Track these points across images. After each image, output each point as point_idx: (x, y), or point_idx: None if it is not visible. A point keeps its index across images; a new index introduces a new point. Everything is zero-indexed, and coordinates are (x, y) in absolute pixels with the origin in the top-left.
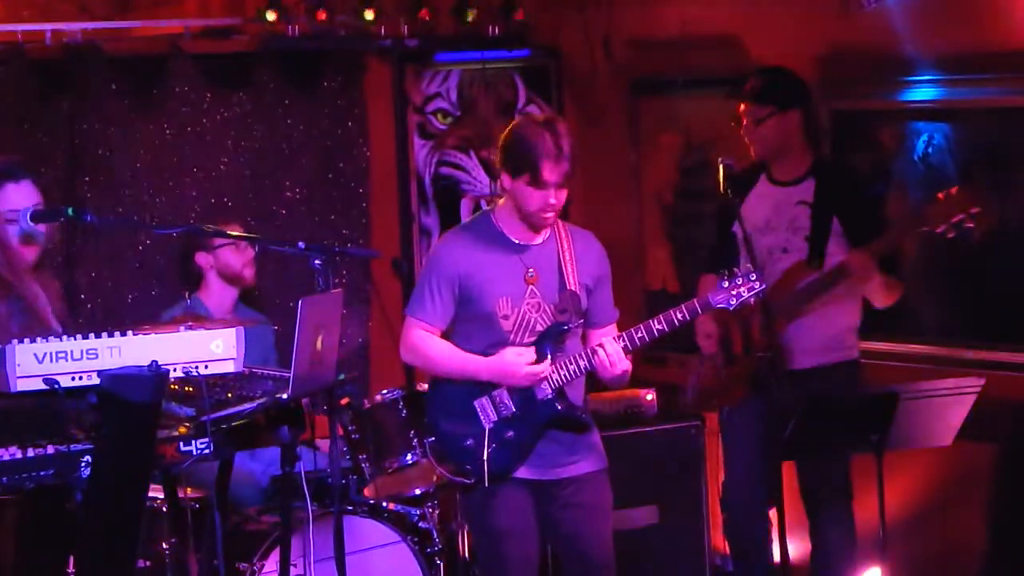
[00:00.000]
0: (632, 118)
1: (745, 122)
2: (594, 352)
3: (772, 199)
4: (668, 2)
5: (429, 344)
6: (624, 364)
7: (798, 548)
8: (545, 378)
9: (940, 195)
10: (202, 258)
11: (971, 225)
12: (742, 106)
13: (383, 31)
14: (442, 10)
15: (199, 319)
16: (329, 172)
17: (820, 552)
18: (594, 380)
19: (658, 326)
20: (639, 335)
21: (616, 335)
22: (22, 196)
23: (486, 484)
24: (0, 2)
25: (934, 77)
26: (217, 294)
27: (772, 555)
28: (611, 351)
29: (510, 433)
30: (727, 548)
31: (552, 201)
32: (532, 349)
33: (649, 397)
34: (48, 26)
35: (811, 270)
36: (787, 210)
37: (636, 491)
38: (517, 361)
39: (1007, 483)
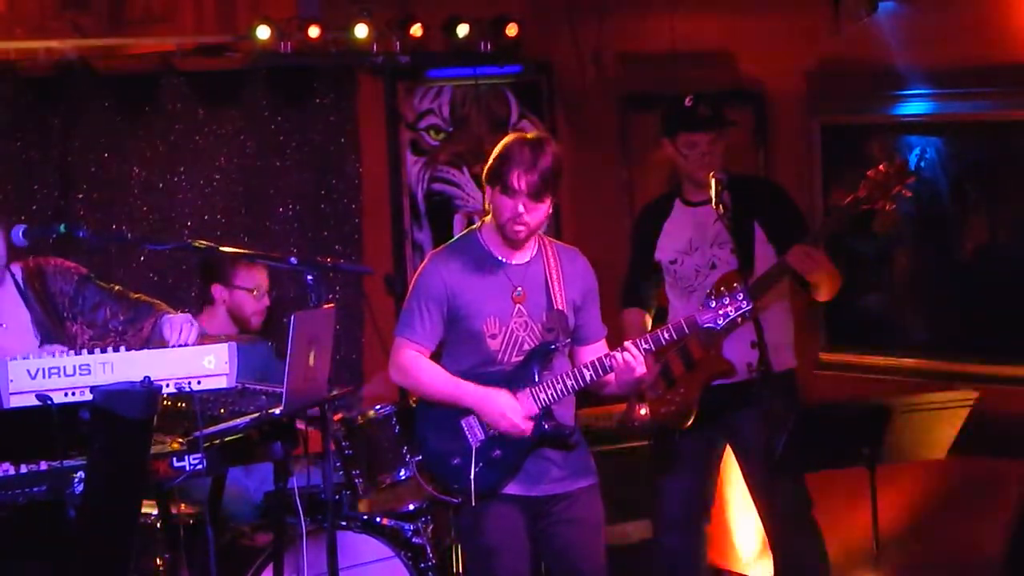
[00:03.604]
0: (624, 134)
1: (706, 149)
2: (610, 357)
3: (692, 220)
4: (659, 17)
5: (419, 366)
6: (643, 368)
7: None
8: (524, 434)
9: (870, 172)
10: (218, 291)
11: (909, 194)
12: (703, 136)
13: (375, 48)
14: (434, 26)
15: None
16: (322, 188)
17: (791, 570)
18: (590, 394)
19: (645, 346)
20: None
21: (605, 354)
22: None
23: (473, 503)
24: None
25: (926, 91)
26: (220, 325)
27: (706, 572)
28: (635, 353)
29: (497, 452)
30: (716, 563)
31: (521, 210)
32: (527, 403)
33: (643, 411)
34: (41, 44)
35: (742, 278)
36: (709, 227)
37: (629, 505)
38: (509, 405)
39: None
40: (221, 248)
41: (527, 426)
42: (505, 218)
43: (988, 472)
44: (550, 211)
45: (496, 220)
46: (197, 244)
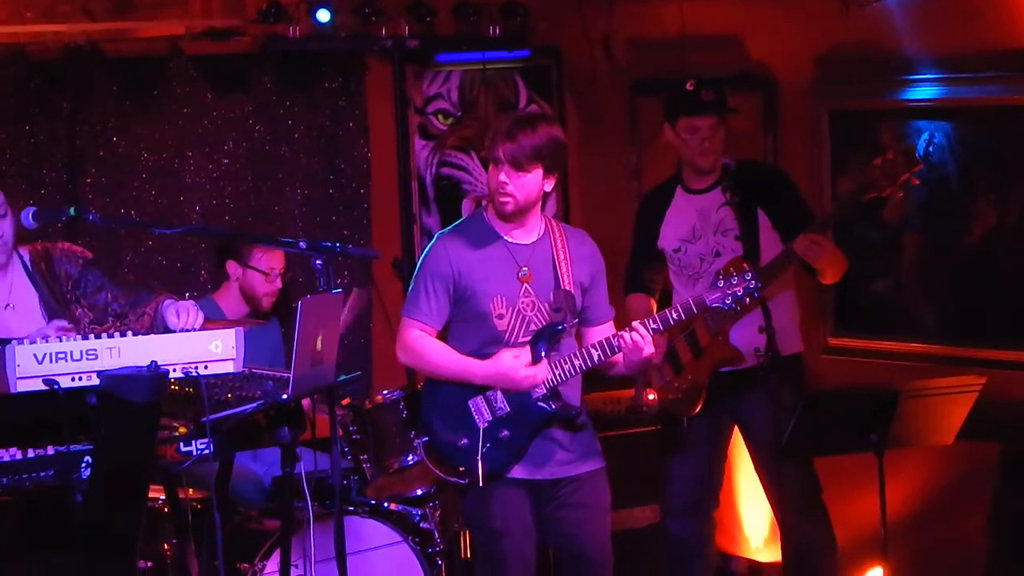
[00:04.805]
0: (632, 118)
1: (707, 135)
2: (618, 337)
3: (694, 207)
4: (667, 2)
5: (425, 345)
6: (651, 347)
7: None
8: (542, 383)
9: (877, 160)
10: (232, 267)
11: (916, 182)
12: (704, 120)
13: (384, 32)
14: (442, 10)
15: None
16: (330, 173)
17: (798, 555)
18: (598, 379)
19: (653, 326)
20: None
21: (613, 334)
22: None
23: (480, 484)
24: (2, 4)
25: (934, 76)
26: (233, 304)
27: (713, 557)
28: (643, 332)
29: (504, 433)
30: (724, 548)
31: (503, 179)
32: (528, 350)
33: (651, 396)
34: (50, 27)
35: (749, 264)
36: (712, 215)
37: (636, 491)
38: (514, 365)
39: (1012, 482)
40: (230, 233)
41: (540, 371)
42: (492, 188)
43: (995, 457)
44: (546, 189)
45: (488, 195)
46: (206, 228)
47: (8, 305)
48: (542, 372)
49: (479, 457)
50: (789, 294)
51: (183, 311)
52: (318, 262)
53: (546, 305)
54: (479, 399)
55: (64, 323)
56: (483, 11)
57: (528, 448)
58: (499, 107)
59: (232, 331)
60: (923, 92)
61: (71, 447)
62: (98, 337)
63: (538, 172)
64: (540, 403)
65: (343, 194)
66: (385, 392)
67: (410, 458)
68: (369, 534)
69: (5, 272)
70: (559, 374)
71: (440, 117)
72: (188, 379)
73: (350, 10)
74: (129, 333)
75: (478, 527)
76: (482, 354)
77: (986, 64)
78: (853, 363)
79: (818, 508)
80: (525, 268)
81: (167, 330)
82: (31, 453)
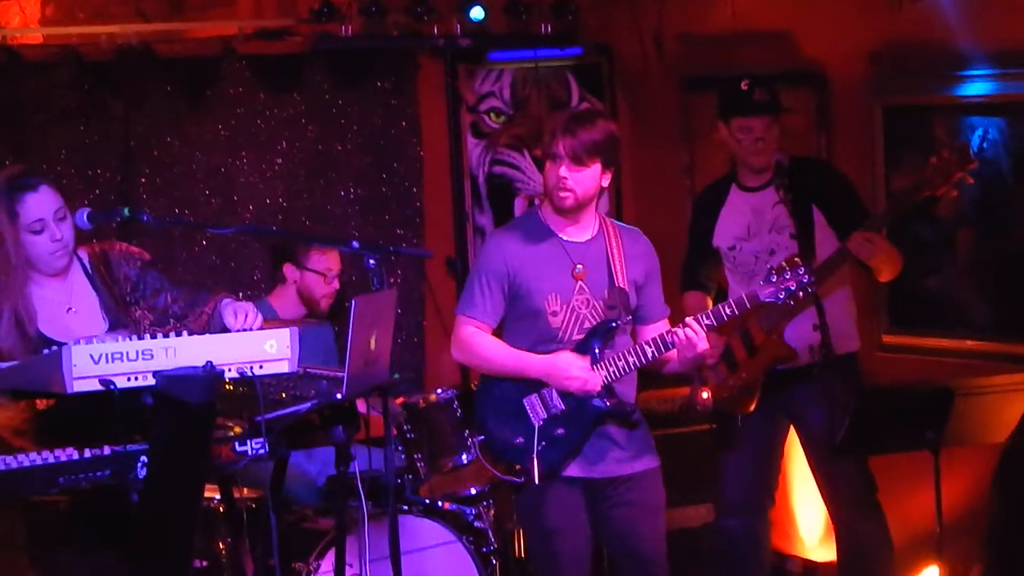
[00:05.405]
0: (685, 115)
1: (761, 134)
2: (672, 333)
3: (749, 206)
4: None
5: (480, 341)
6: (705, 344)
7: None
8: (595, 389)
9: (933, 159)
10: (290, 270)
11: (971, 181)
12: (758, 121)
13: (436, 30)
14: (495, 9)
15: None
16: (383, 172)
17: (854, 554)
18: (651, 378)
19: (707, 321)
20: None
21: (667, 330)
22: (44, 204)
23: (536, 482)
24: (56, 5)
25: (988, 71)
26: (289, 306)
27: (768, 556)
28: (697, 328)
29: (560, 431)
30: (779, 547)
31: (564, 174)
32: (587, 357)
33: (704, 395)
34: (103, 29)
35: (804, 261)
36: (766, 212)
37: (690, 489)
38: (570, 362)
39: None
40: (283, 231)
41: (595, 377)
42: (551, 184)
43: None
44: (603, 184)
45: (547, 192)
46: (260, 228)
47: (70, 309)
48: (595, 380)
49: (534, 455)
50: (845, 291)
51: (241, 311)
52: (371, 261)
53: (600, 303)
54: (534, 397)
55: (124, 335)
56: (534, 9)
57: (583, 446)
58: (551, 105)
59: (287, 331)
60: (977, 88)
61: (127, 447)
62: (154, 337)
63: (596, 167)
64: (595, 400)
65: (396, 193)
66: (439, 391)
67: (464, 457)
68: (423, 533)
69: (66, 275)
70: (613, 371)
71: (492, 115)
72: (243, 379)
73: (402, 9)
74: (185, 333)
75: (533, 526)
76: (536, 351)
77: None
78: (908, 360)
79: (874, 507)
80: (579, 265)
81: (224, 330)
82: (87, 453)
